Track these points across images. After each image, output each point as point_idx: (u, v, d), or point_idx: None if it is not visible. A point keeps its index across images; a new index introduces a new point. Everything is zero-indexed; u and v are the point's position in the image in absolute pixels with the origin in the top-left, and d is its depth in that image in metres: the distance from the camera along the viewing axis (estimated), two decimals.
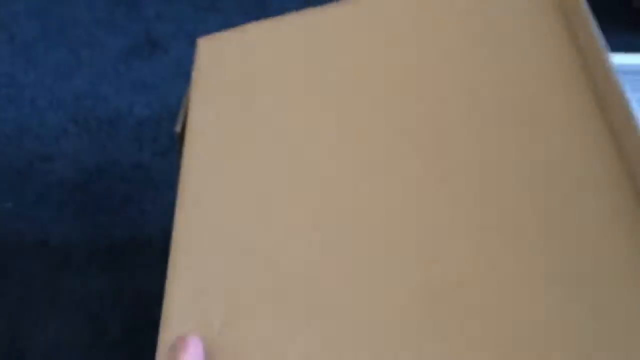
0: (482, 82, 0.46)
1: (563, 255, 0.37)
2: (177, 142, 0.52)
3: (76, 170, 0.91)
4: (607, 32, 0.46)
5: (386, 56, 0.49)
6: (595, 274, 0.36)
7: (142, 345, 0.76)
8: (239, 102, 0.49)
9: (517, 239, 0.39)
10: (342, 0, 0.54)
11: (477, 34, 0.48)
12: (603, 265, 0.37)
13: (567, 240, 0.38)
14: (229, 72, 0.51)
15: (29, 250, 0.83)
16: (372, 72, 0.48)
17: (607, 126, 0.42)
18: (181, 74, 1.01)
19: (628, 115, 0.40)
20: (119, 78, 1.01)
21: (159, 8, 1.10)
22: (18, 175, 0.90)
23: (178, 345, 0.36)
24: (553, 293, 0.36)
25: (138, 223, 0.86)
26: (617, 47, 0.52)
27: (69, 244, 0.84)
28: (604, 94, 0.43)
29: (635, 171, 0.39)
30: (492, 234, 0.39)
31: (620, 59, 0.64)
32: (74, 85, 1.00)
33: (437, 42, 0.49)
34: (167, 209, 0.87)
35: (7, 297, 0.80)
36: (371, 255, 0.39)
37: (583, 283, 0.36)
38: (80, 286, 0.81)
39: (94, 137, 0.94)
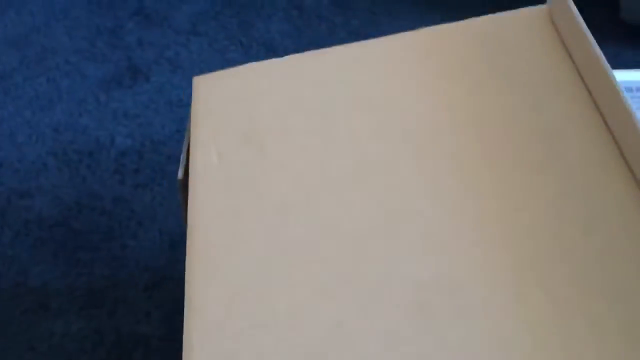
0: (493, 123, 0.44)
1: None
2: (179, 190, 0.49)
3: (55, 206, 0.88)
4: None
5: (396, 98, 0.47)
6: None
7: None
8: (245, 146, 0.46)
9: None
10: (345, 45, 0.53)
11: (484, 73, 0.47)
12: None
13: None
14: (231, 115, 0.48)
15: (5, 293, 0.80)
16: (383, 113, 0.46)
17: (620, 154, 0.41)
18: (163, 102, 0.98)
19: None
20: (100, 108, 0.98)
21: (140, 34, 1.07)
22: None
23: None
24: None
25: (119, 260, 0.82)
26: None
27: (48, 285, 0.81)
28: (611, 113, 0.42)
29: None
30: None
31: None
32: (53, 117, 0.97)
33: (443, 83, 0.47)
34: (150, 244, 0.84)
35: None
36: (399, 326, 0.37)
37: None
38: (60, 329, 0.78)
39: (74, 171, 0.91)
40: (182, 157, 0.49)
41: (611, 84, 0.42)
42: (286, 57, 0.52)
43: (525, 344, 0.35)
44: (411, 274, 0.38)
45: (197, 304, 0.39)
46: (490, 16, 0.50)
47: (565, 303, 0.36)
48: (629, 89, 0.59)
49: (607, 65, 0.43)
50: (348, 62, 0.50)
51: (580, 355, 0.34)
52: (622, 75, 0.61)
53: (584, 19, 0.48)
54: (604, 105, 0.43)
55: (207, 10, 1.09)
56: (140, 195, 0.88)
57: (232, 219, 0.43)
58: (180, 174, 0.49)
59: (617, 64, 0.63)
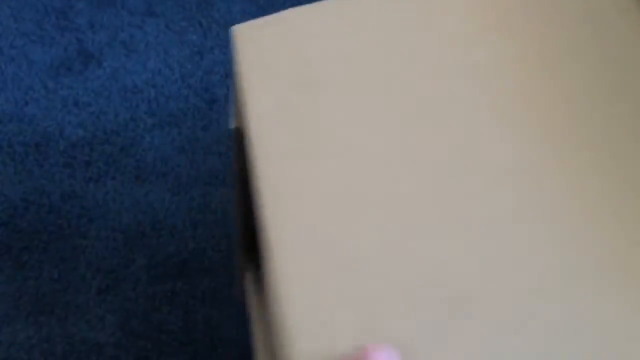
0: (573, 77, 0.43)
1: None
2: (232, 140, 0.49)
3: None
4: None
5: (452, 35, 0.47)
6: None
7: None
8: (300, 90, 0.46)
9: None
10: None
11: (538, 11, 0.46)
12: None
13: None
14: (281, 61, 0.48)
15: None
16: (442, 50, 0.46)
17: None
18: (117, 88, 0.92)
19: None
20: (48, 96, 0.91)
21: (91, 15, 1.00)
22: None
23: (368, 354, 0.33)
24: None
25: (70, 261, 0.76)
26: None
27: None
28: None
29: None
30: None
31: None
32: None
33: (499, 21, 0.46)
34: (103, 243, 0.78)
35: None
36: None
37: None
38: (6, 338, 0.72)
39: (20, 165, 0.84)
40: (232, 106, 0.49)
41: None
42: (327, 1, 0.52)
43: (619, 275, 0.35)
44: (494, 206, 0.39)
45: (281, 255, 0.39)
46: None
47: None
48: None
49: None
50: (392, 5, 0.50)
51: None
52: None
53: None
54: None
55: None
56: (92, 190, 0.82)
57: (301, 164, 0.43)
58: (232, 124, 0.49)
59: None
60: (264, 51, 0.50)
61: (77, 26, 0.99)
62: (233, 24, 0.98)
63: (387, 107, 0.44)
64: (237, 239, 0.63)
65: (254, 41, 0.50)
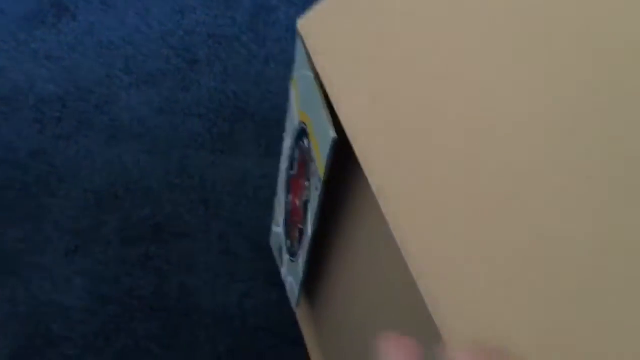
0: None
1: None
2: (332, 149, 0.43)
3: None
4: None
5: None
6: None
7: None
8: (399, 80, 0.38)
9: None
10: None
11: None
12: None
13: None
14: (367, 49, 0.40)
15: None
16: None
17: None
18: (92, 43, 0.87)
19: None
20: (19, 48, 0.86)
21: None
22: None
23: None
24: None
25: (37, 220, 0.72)
26: None
27: None
28: None
29: None
30: None
31: None
32: None
33: None
34: (72, 203, 0.74)
35: None
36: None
37: None
38: None
39: None
40: (325, 113, 0.43)
41: None
42: None
43: None
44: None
45: (434, 278, 0.34)
46: None
47: None
48: None
49: None
50: None
51: None
52: None
53: None
54: None
55: None
56: (62, 148, 0.77)
57: (423, 170, 0.36)
58: (333, 133, 0.42)
59: None
60: (342, 43, 0.41)
61: None
62: None
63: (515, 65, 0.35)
64: (306, 269, 0.56)
65: (326, 34, 0.42)
